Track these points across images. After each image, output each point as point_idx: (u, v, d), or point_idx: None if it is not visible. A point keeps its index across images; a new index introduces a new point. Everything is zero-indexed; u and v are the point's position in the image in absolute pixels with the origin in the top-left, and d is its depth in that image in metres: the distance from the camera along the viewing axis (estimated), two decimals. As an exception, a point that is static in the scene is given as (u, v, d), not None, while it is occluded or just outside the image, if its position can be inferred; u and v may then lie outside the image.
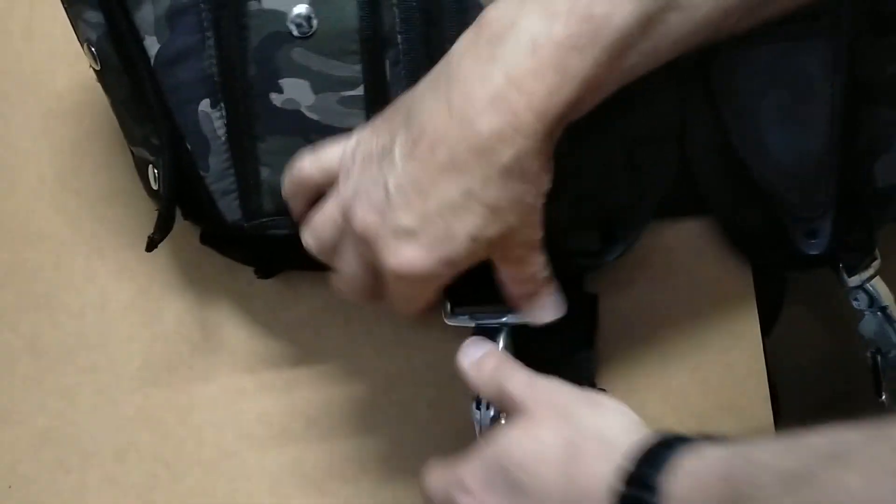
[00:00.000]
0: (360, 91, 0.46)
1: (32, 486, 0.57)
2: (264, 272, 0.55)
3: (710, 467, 0.36)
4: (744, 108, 0.48)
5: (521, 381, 0.44)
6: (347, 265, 0.45)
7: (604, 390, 0.53)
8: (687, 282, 0.53)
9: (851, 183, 0.50)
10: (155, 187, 0.50)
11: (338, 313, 0.56)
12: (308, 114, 0.47)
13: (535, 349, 0.52)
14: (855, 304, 0.52)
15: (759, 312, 0.53)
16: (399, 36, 0.46)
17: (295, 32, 0.46)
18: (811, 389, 0.65)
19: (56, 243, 0.58)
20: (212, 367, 0.56)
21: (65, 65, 0.57)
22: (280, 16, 0.46)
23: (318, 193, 0.46)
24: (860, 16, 0.48)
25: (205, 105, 0.48)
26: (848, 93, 0.48)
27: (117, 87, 0.50)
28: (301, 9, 0.46)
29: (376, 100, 0.46)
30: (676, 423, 0.53)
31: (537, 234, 0.43)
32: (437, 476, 0.45)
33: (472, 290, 0.47)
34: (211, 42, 0.47)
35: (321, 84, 0.46)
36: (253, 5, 0.46)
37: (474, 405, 0.49)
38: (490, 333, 0.49)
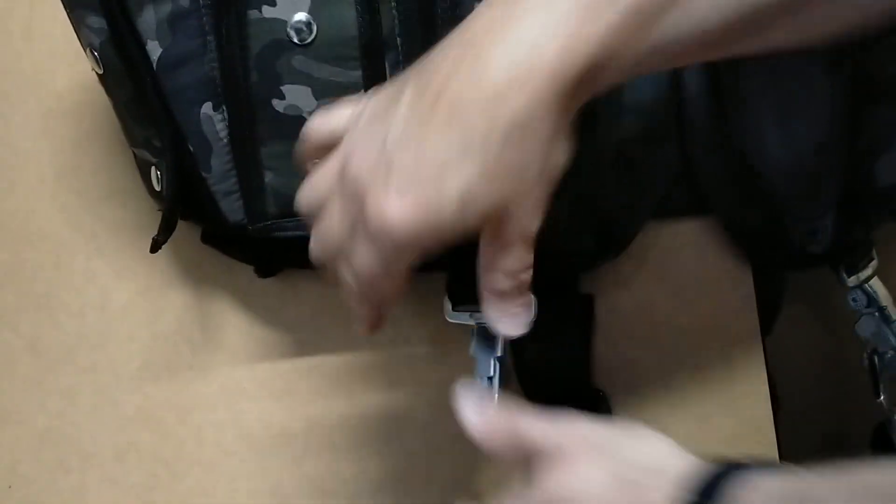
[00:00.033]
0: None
1: (32, 486, 0.57)
2: (265, 271, 0.55)
3: (767, 502, 0.35)
4: (744, 108, 0.48)
5: (542, 426, 0.42)
6: (329, 218, 0.41)
7: (603, 391, 0.54)
8: (687, 282, 0.53)
9: (852, 182, 0.50)
10: (158, 189, 0.50)
11: (338, 313, 0.56)
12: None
13: (531, 351, 0.52)
14: (853, 304, 0.52)
15: (758, 312, 0.53)
16: (398, 39, 0.46)
17: (295, 40, 0.46)
18: (811, 389, 0.65)
19: (56, 243, 0.58)
20: (212, 367, 0.56)
21: (65, 65, 0.57)
22: (280, 24, 0.46)
23: (326, 153, 0.43)
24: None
25: (207, 108, 0.48)
26: (848, 92, 0.48)
27: (120, 90, 0.50)
28: (301, 16, 0.46)
29: None
30: (676, 423, 0.53)
31: (533, 224, 0.40)
32: None
33: (472, 289, 0.47)
34: (212, 46, 0.47)
35: (323, 90, 0.47)
36: (253, 14, 0.46)
37: None
38: (490, 333, 0.49)
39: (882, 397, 0.53)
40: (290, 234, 0.49)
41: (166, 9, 0.47)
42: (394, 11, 0.46)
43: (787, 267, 0.55)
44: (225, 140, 0.48)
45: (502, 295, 0.42)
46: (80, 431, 0.57)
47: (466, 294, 0.49)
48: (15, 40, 0.58)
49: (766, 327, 0.55)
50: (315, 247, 0.42)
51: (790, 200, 0.50)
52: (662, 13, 0.37)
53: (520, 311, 0.42)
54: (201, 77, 0.48)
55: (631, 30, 0.37)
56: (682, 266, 0.53)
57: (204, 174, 0.49)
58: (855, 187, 0.50)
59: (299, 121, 0.47)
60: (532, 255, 0.41)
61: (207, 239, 0.54)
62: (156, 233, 0.49)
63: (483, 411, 0.43)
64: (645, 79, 0.48)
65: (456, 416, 0.43)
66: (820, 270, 0.53)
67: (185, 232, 0.53)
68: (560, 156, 0.39)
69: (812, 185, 0.49)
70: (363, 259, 0.39)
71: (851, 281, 0.51)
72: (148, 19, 0.47)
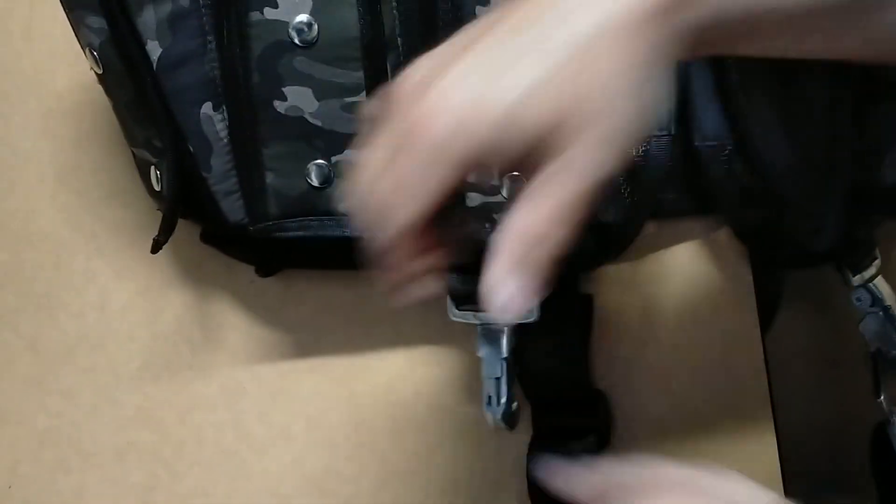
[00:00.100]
0: (362, 97, 0.47)
1: (32, 486, 0.57)
2: (265, 271, 0.55)
3: None
4: (748, 105, 0.48)
5: (628, 468, 0.42)
6: (374, 148, 0.36)
7: (602, 391, 0.54)
8: (687, 282, 0.53)
9: (857, 180, 0.50)
10: (157, 189, 0.50)
11: (338, 313, 0.56)
12: (311, 120, 0.47)
13: (531, 351, 0.52)
14: (857, 303, 0.52)
15: (758, 311, 0.54)
16: (399, 39, 0.46)
17: (297, 41, 0.46)
18: (811, 389, 0.65)
19: (56, 243, 0.58)
20: (212, 367, 0.56)
21: (65, 65, 0.57)
22: (282, 25, 0.46)
23: None
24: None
25: (207, 108, 0.48)
26: (853, 90, 0.48)
27: (120, 90, 0.50)
28: (302, 18, 0.46)
29: None
30: (676, 423, 0.53)
31: (589, 173, 0.34)
32: None
33: (475, 289, 0.47)
34: (212, 46, 0.47)
35: (324, 91, 0.47)
36: (255, 16, 0.46)
37: (485, 401, 0.49)
38: (494, 333, 0.49)
39: (882, 397, 0.53)
40: (291, 234, 0.49)
41: (166, 9, 0.47)
42: (395, 12, 0.46)
43: (789, 265, 0.55)
44: (225, 140, 0.48)
45: (518, 264, 0.35)
46: (80, 431, 0.57)
47: (468, 295, 0.49)
48: (15, 40, 0.58)
49: (765, 324, 0.55)
50: (355, 186, 0.36)
51: (794, 198, 0.50)
52: None
53: (527, 290, 0.35)
54: (201, 77, 0.48)
55: None
56: (682, 266, 0.53)
57: (204, 174, 0.49)
58: (860, 184, 0.50)
59: (300, 122, 0.47)
60: (565, 232, 0.35)
61: (207, 239, 0.54)
62: (156, 233, 0.49)
63: (574, 477, 0.42)
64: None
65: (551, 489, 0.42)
66: (819, 270, 0.53)
67: (185, 232, 0.53)
68: (638, 100, 0.34)
69: (816, 182, 0.49)
70: (396, 167, 0.34)
71: (856, 280, 0.51)
72: (148, 19, 0.47)
